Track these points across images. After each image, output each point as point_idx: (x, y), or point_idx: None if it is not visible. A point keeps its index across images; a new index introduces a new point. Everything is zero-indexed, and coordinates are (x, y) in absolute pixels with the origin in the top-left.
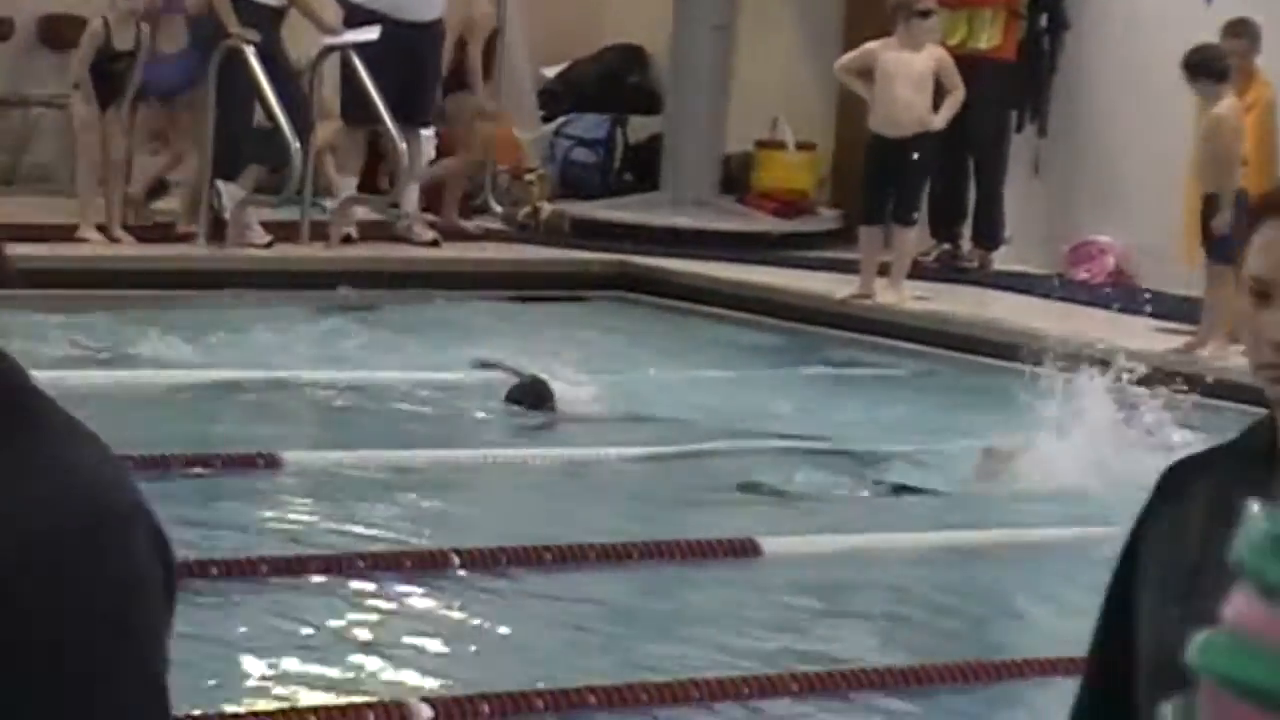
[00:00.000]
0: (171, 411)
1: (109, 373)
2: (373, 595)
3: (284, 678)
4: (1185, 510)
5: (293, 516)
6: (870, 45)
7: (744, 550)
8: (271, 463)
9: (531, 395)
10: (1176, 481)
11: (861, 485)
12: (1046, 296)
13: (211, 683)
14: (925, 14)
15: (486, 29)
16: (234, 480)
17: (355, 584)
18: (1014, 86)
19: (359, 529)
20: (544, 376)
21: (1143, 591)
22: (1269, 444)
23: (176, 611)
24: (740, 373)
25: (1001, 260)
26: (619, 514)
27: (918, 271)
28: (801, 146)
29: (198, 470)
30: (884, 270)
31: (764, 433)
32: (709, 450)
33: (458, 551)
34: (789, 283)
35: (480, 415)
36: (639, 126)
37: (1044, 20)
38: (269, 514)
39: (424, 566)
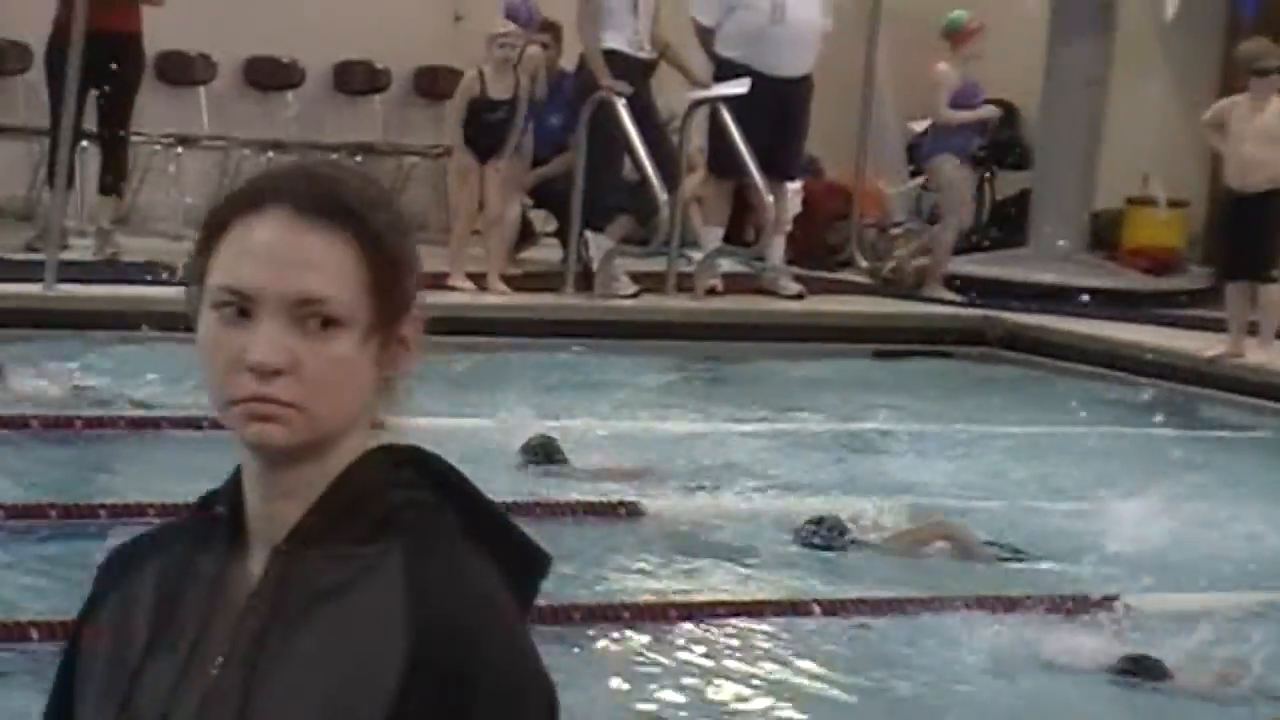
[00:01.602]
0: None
1: (464, 420)
2: (733, 642)
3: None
4: (132, 600)
5: (654, 564)
6: (1225, 101)
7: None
8: (633, 512)
9: (542, 453)
10: (123, 565)
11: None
12: None
13: None
14: (1263, 73)
15: None
16: (596, 528)
17: (715, 631)
18: None
19: (718, 577)
20: (553, 435)
21: (84, 700)
22: (232, 510)
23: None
24: (1102, 430)
25: None
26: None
27: None
28: (1174, 204)
29: (559, 518)
30: (1255, 329)
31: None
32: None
33: (819, 602)
34: (1158, 340)
35: (830, 465)
36: (1008, 181)
37: None
38: (631, 561)
39: (782, 614)
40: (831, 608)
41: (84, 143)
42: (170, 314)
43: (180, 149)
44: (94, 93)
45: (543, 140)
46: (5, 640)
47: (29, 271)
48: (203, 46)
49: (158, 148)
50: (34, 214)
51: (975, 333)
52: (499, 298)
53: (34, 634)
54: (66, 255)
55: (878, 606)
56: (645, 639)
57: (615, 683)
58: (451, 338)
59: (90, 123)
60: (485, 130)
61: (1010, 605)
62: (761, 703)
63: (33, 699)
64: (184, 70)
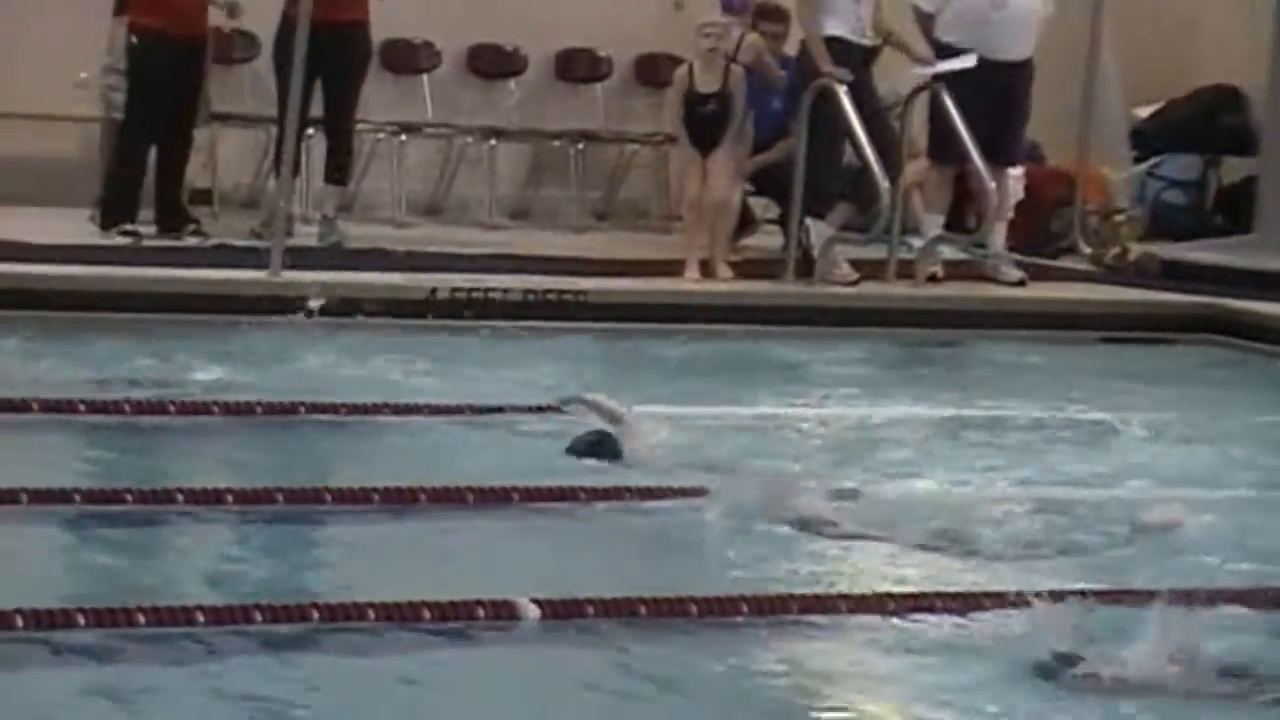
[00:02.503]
0: (751, 440)
1: (685, 409)
2: (941, 635)
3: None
4: None
5: (869, 552)
6: None
7: None
8: (850, 498)
9: (596, 449)
10: None
11: None
12: None
13: None
14: None
15: None
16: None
17: (922, 622)
18: None
19: (929, 566)
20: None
21: None
22: None
23: None
24: None
25: None
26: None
27: None
28: None
29: None
30: None
31: None
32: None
33: (1039, 594)
34: None
35: (1052, 453)
36: (1233, 168)
37: None
38: (846, 548)
39: (997, 606)
40: (1050, 599)
41: (310, 130)
42: (393, 300)
43: (404, 137)
44: (320, 81)
45: (764, 125)
46: (230, 623)
47: (255, 258)
48: (427, 34)
49: (381, 135)
50: (260, 201)
51: (1200, 320)
52: (722, 285)
53: (258, 616)
54: (292, 242)
55: (1101, 598)
56: (852, 630)
57: (815, 673)
58: (675, 325)
59: (316, 110)
60: (700, 123)
61: (1236, 598)
62: (965, 696)
63: (256, 678)
64: (408, 58)
